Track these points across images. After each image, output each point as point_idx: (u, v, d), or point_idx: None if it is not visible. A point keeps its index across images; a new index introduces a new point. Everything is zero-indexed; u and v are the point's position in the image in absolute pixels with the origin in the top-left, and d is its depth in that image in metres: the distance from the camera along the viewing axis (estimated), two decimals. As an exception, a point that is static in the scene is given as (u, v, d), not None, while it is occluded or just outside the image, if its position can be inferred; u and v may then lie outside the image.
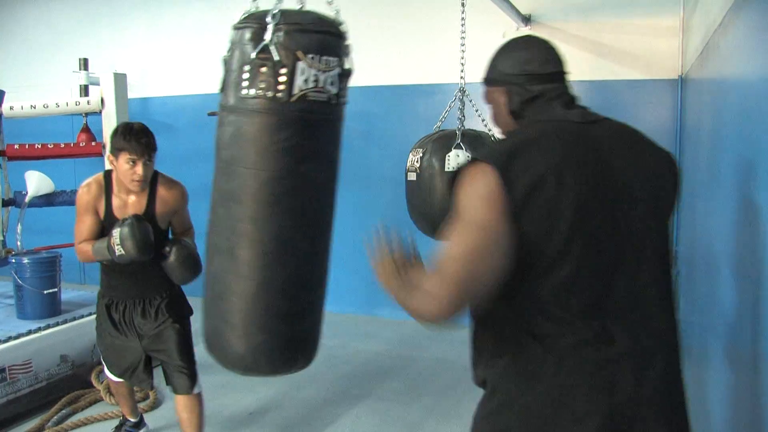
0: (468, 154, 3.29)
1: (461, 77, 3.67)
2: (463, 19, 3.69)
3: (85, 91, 5.81)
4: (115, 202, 2.79)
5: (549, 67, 1.47)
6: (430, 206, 3.39)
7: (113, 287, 2.92)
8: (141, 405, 3.73)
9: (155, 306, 2.89)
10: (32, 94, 6.03)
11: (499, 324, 1.37)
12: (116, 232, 2.59)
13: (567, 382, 1.30)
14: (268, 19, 1.59)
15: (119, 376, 3.04)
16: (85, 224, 2.81)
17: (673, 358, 1.39)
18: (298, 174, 1.69)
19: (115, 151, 2.69)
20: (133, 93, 5.09)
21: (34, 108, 4.32)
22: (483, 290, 1.28)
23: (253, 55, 1.58)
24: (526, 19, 5.10)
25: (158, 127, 6.60)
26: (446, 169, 3.30)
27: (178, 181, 2.93)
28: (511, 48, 1.52)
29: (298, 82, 1.60)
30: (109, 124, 4.38)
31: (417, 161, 3.42)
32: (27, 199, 4.19)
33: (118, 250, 2.59)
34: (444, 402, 3.90)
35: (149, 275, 2.85)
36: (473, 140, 3.37)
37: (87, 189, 2.81)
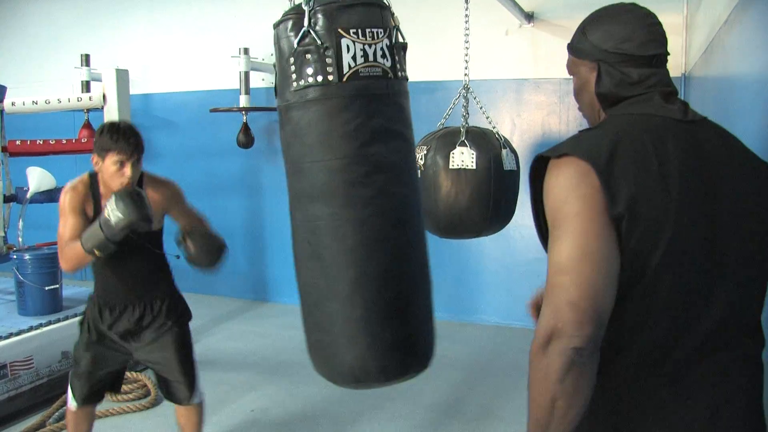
0: (473, 152, 3.27)
1: (465, 74, 3.65)
2: (466, 15, 3.67)
3: (86, 87, 5.80)
4: (104, 203, 2.54)
5: (650, 48, 1.26)
6: (434, 203, 3.37)
7: (109, 291, 2.71)
8: (142, 402, 3.74)
9: (154, 311, 2.71)
10: (34, 90, 6.03)
11: None
12: (110, 202, 2.35)
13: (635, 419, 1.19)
14: (303, 5, 1.55)
15: (84, 397, 2.80)
16: (72, 225, 2.54)
17: (756, 386, 1.25)
18: (368, 157, 1.58)
19: (101, 151, 2.49)
20: (134, 89, 5.07)
21: (36, 104, 4.31)
22: (609, 302, 1.12)
23: (296, 44, 1.53)
24: (529, 17, 5.08)
25: (160, 123, 6.64)
26: (450, 167, 3.29)
27: (166, 179, 2.77)
28: (608, 17, 1.32)
29: (346, 59, 1.53)
30: (111, 120, 4.36)
31: (421, 159, 3.40)
32: (28, 195, 4.18)
33: (115, 217, 2.31)
34: (446, 400, 3.89)
35: (147, 277, 2.72)
36: (477, 138, 3.36)
37: (73, 190, 2.59)
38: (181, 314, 2.80)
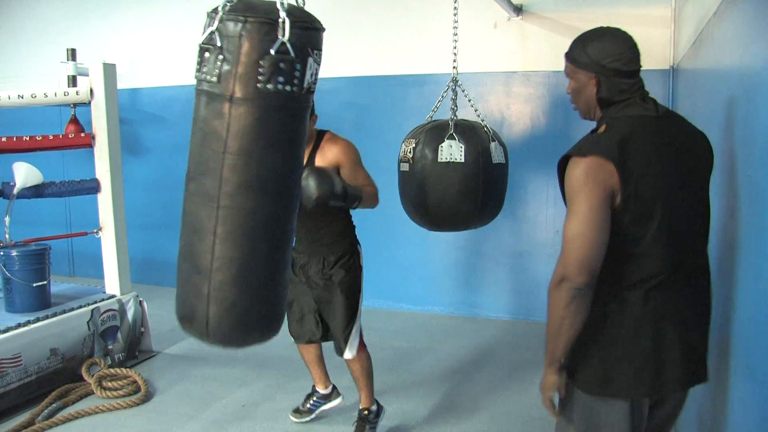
0: (461, 145, 3.28)
1: (454, 67, 3.65)
2: (455, 8, 3.67)
3: (73, 81, 5.75)
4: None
5: (633, 65, 1.77)
6: (423, 197, 3.37)
7: (297, 241, 3.11)
8: (132, 398, 3.72)
9: (328, 264, 3.07)
10: (20, 84, 5.96)
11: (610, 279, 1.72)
12: (303, 176, 2.66)
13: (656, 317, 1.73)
14: (283, 15, 1.62)
15: (293, 334, 3.28)
16: None
17: (709, 294, 1.85)
18: (301, 162, 1.86)
19: None
20: (122, 84, 5.04)
21: (22, 98, 4.26)
22: (600, 260, 1.66)
23: (273, 52, 1.61)
24: (518, 9, 5.08)
25: (148, 118, 6.60)
26: (439, 160, 3.29)
27: (344, 139, 3.03)
28: (602, 38, 1.80)
29: (307, 76, 1.69)
30: (98, 114, 4.33)
31: (410, 152, 3.40)
32: (15, 191, 4.14)
33: (306, 192, 2.66)
34: (437, 393, 3.90)
35: (324, 233, 3.05)
36: (466, 130, 3.36)
37: None
38: (350, 274, 3.10)
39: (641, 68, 1.79)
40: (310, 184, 2.67)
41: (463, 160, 3.28)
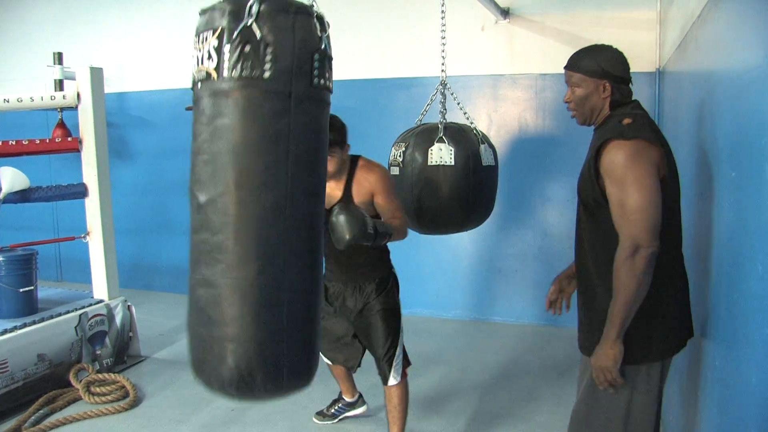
0: (451, 148, 3.29)
1: (442, 70, 3.66)
2: (443, 12, 3.68)
3: (59, 85, 5.72)
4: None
5: (629, 74, 2.08)
6: (414, 200, 3.38)
7: (328, 270, 3.02)
8: (120, 403, 3.70)
9: (364, 292, 2.97)
10: (6, 88, 5.92)
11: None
12: (333, 214, 2.47)
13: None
14: (318, 11, 1.57)
15: (327, 357, 3.23)
16: None
17: None
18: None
19: None
20: (109, 88, 5.02)
21: (8, 102, 4.23)
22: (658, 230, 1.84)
23: (323, 47, 1.57)
24: (505, 12, 5.10)
25: (135, 122, 6.57)
26: (429, 163, 3.30)
27: (377, 164, 2.89)
28: (605, 51, 2.09)
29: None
30: (85, 119, 4.31)
31: (400, 155, 3.41)
32: (1, 196, 4.11)
33: (336, 233, 2.45)
34: (432, 395, 3.90)
35: (356, 262, 2.94)
36: (456, 133, 3.37)
37: None
38: (387, 299, 2.99)
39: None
40: (341, 225, 2.45)
41: (452, 163, 3.29)
